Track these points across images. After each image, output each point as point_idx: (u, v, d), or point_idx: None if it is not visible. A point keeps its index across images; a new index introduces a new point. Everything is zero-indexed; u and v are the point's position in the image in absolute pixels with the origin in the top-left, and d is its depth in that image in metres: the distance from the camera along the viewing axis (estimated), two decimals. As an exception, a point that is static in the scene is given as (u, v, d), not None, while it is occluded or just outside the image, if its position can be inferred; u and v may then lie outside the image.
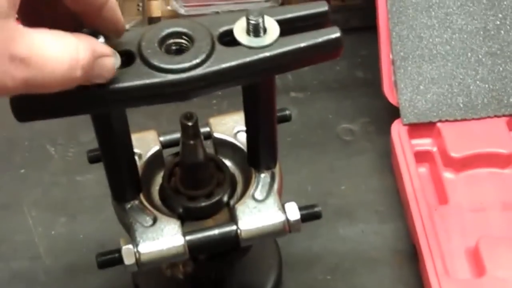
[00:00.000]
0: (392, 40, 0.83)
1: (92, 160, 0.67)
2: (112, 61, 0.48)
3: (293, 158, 0.86)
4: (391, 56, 0.84)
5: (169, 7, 1.00)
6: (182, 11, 0.98)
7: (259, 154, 0.63)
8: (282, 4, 0.97)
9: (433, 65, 0.83)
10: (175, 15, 1.00)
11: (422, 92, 0.82)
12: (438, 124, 0.82)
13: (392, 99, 0.84)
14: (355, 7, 0.99)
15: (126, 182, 0.62)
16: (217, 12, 1.00)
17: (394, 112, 0.84)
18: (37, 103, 0.48)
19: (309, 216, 0.63)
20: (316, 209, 0.63)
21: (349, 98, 0.94)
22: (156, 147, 0.67)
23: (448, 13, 0.83)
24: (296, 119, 0.87)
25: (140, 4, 1.03)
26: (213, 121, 0.68)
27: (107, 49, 0.48)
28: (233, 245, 0.61)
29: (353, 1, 0.99)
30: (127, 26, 1.03)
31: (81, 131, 0.91)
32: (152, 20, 1.02)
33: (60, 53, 0.44)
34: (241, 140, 0.66)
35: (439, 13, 0.83)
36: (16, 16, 0.43)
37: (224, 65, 0.50)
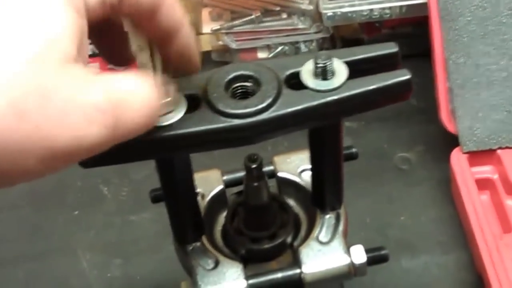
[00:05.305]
0: (448, 68, 0.82)
1: (155, 200, 0.64)
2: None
3: (350, 189, 0.84)
4: (447, 84, 0.82)
5: (220, 42, 0.99)
6: (233, 45, 0.98)
7: (324, 195, 0.62)
8: (332, 35, 0.97)
9: (491, 92, 0.81)
10: (225, 49, 1.00)
11: (481, 120, 0.81)
12: (498, 151, 0.81)
13: (450, 127, 0.83)
14: (405, 34, 0.99)
15: (188, 224, 0.61)
16: (268, 45, 0.99)
17: (449, 139, 0.83)
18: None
19: (376, 259, 0.61)
20: (383, 252, 0.61)
21: (403, 126, 0.93)
22: (220, 187, 0.65)
23: (504, 40, 0.82)
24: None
25: (191, 38, 1.03)
26: (277, 159, 0.66)
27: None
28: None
29: (403, 28, 0.99)
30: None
31: (133, 170, 0.91)
32: (203, 55, 1.02)
33: (141, 93, 0.41)
34: (306, 179, 0.65)
35: (495, 40, 0.82)
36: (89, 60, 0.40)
37: (290, 109, 0.48)
